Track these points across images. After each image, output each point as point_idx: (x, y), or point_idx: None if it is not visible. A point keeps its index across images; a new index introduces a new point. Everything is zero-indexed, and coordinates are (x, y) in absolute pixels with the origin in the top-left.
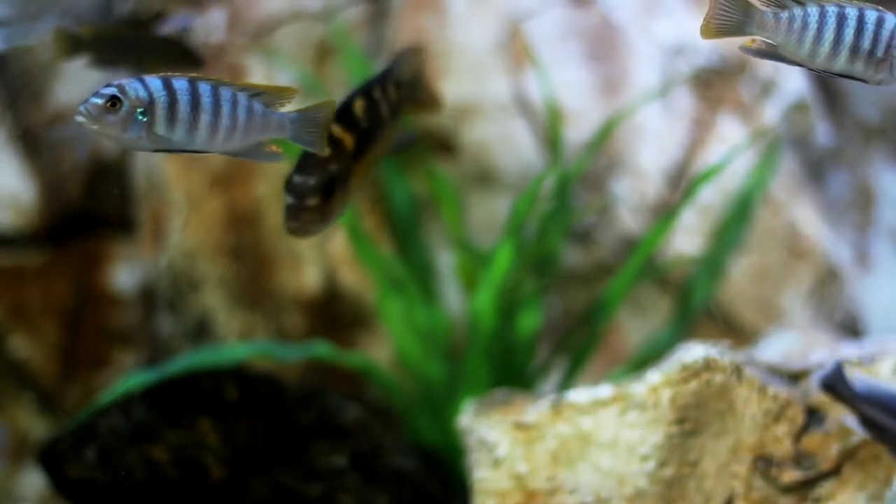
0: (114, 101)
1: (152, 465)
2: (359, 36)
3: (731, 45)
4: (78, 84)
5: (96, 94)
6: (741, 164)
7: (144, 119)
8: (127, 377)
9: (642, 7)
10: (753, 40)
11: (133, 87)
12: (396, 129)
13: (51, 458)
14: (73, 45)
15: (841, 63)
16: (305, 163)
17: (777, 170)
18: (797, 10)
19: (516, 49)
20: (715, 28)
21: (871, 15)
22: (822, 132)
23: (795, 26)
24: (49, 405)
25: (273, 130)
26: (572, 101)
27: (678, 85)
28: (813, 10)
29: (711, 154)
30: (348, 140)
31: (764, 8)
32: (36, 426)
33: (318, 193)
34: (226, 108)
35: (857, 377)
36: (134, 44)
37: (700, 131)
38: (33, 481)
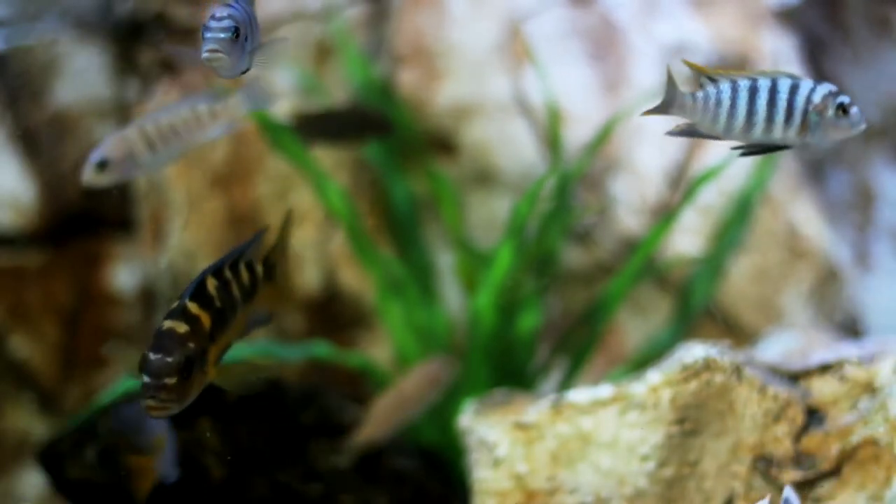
0: (236, 31)
1: None
2: (359, 36)
3: (731, 45)
4: (78, 84)
5: (215, 29)
6: (741, 165)
7: (247, 43)
8: (127, 377)
9: (642, 7)
10: (678, 126)
11: (237, 13)
12: (248, 314)
13: (51, 458)
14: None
15: (758, 133)
16: (162, 341)
17: (777, 170)
18: (711, 89)
19: (516, 49)
20: (653, 108)
21: (783, 83)
22: None
23: (710, 104)
24: (49, 405)
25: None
26: (572, 101)
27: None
28: (725, 87)
29: (711, 154)
30: (205, 319)
31: (682, 90)
32: (36, 426)
33: (176, 373)
34: (254, 20)
35: None
36: (336, 119)
37: None
38: (33, 481)
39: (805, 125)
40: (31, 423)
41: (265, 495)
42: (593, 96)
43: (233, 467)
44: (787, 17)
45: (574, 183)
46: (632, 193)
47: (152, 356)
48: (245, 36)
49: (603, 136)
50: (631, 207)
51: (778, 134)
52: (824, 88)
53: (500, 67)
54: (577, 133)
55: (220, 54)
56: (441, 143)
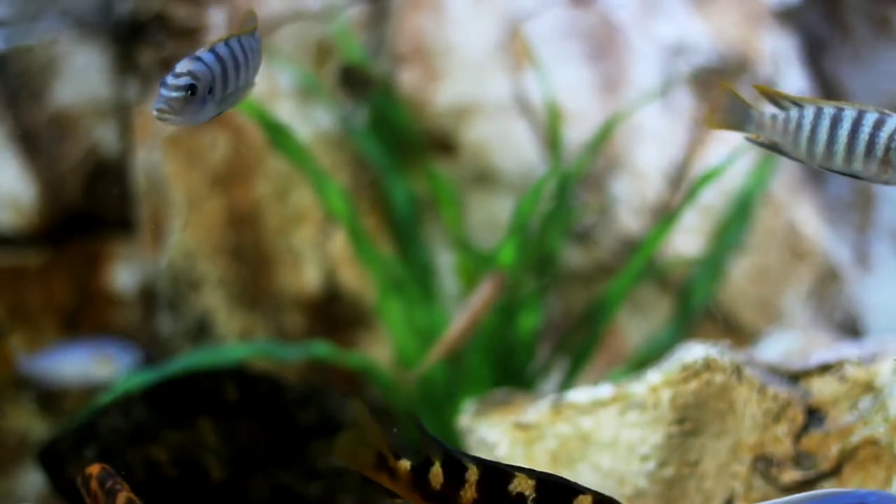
0: (192, 89)
1: (152, 465)
2: (359, 36)
3: (731, 44)
4: (78, 84)
5: (171, 87)
6: (741, 165)
7: (211, 95)
8: (127, 377)
9: (642, 7)
10: (758, 136)
11: (199, 68)
12: None
13: (51, 458)
14: None
15: (838, 163)
16: None
17: (777, 170)
18: (793, 112)
19: (516, 49)
20: (718, 121)
21: (869, 117)
22: None
23: (791, 127)
24: (49, 405)
25: (259, 55)
26: (572, 101)
27: (678, 85)
28: (809, 112)
29: (711, 154)
30: None
31: (762, 109)
32: (36, 426)
33: None
34: (249, 56)
35: None
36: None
37: (700, 131)
38: (33, 481)
39: (887, 161)
40: (31, 423)
41: (265, 495)
42: (593, 96)
43: (233, 467)
44: (787, 17)
45: (574, 183)
46: (632, 193)
47: None
48: (210, 87)
49: (603, 136)
50: (631, 207)
51: (858, 166)
52: None
53: (500, 67)
54: (577, 133)
55: (167, 115)
56: (441, 143)
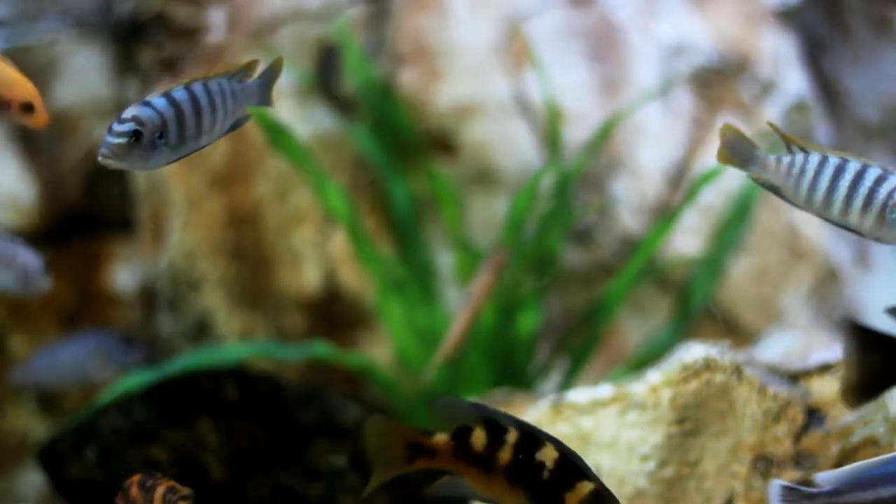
0: (136, 136)
1: (152, 465)
2: (359, 36)
3: (731, 44)
4: (78, 84)
5: (115, 133)
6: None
7: (162, 141)
8: (127, 377)
9: (642, 7)
10: (760, 177)
11: (147, 114)
12: None
13: (51, 458)
14: None
15: (836, 214)
16: None
17: None
18: (798, 157)
19: (516, 49)
20: (725, 157)
21: (872, 172)
22: (822, 132)
23: (794, 171)
24: (49, 405)
25: (250, 101)
26: (572, 101)
27: (678, 85)
28: (813, 159)
29: (711, 154)
30: None
31: (762, 150)
32: (36, 426)
33: None
34: (218, 100)
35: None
36: None
37: (700, 131)
38: (33, 481)
39: (882, 218)
40: (31, 423)
41: (265, 495)
42: (593, 96)
43: (233, 467)
44: (787, 17)
45: (574, 182)
46: (632, 193)
47: None
48: (160, 133)
49: (603, 136)
50: (631, 207)
51: (854, 219)
52: None
53: (500, 67)
54: (577, 133)
55: (110, 161)
56: (441, 143)
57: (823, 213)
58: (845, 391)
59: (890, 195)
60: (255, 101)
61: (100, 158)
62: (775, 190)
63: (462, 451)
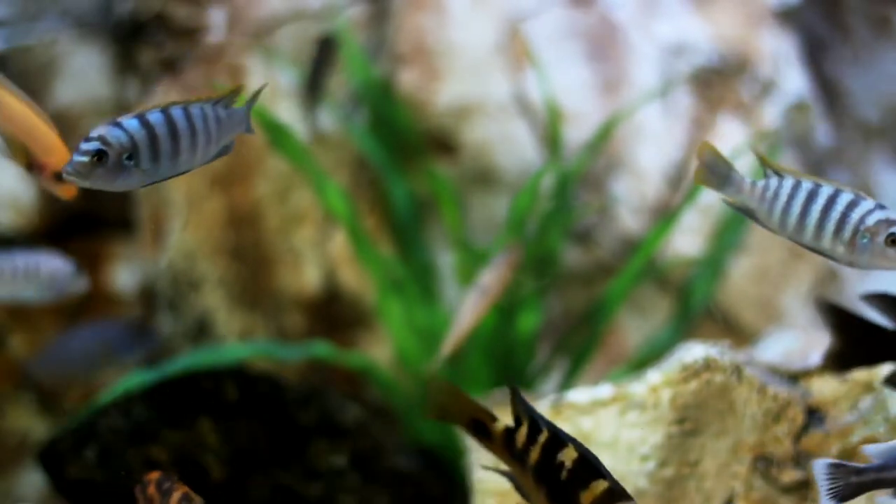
0: (100, 155)
1: (152, 465)
2: (359, 36)
3: (731, 45)
4: (78, 84)
5: (80, 151)
6: (741, 165)
7: (132, 162)
8: (127, 377)
9: (642, 7)
10: (734, 201)
11: (114, 134)
12: None
13: (51, 458)
14: None
15: (808, 238)
16: None
17: None
18: (773, 180)
19: (516, 49)
20: (702, 178)
21: (844, 197)
22: (822, 132)
23: (768, 195)
24: (49, 405)
25: (238, 128)
26: (572, 101)
27: (678, 85)
28: (787, 183)
29: None
30: None
31: (739, 174)
32: (36, 426)
33: None
34: (199, 125)
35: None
36: None
37: (700, 131)
38: (33, 481)
39: (853, 243)
40: (31, 423)
41: (265, 495)
42: (593, 96)
43: (233, 467)
44: (787, 17)
45: (574, 182)
46: (632, 193)
47: None
48: (129, 154)
49: (603, 136)
50: (631, 207)
51: (826, 244)
52: (882, 213)
53: (500, 67)
54: (577, 133)
55: (73, 178)
56: (441, 143)
57: (796, 238)
58: (828, 358)
59: (861, 220)
60: (242, 128)
61: (64, 175)
62: (749, 213)
63: (510, 444)
